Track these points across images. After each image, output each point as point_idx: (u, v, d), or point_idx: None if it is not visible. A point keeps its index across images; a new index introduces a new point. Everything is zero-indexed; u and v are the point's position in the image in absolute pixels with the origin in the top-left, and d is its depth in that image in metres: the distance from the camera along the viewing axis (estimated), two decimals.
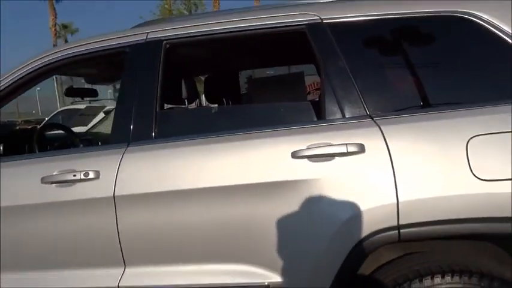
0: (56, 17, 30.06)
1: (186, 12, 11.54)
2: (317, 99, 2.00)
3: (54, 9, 29.80)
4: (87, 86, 3.33)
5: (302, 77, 2.73)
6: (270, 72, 3.39)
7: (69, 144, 2.53)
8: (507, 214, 1.29)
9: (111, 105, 3.01)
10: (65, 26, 37.39)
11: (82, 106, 8.10)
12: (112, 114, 3.26)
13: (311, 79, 3.08)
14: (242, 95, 2.58)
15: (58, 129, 2.62)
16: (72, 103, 8.78)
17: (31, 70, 1.79)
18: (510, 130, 1.32)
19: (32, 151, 2.24)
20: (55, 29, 30.51)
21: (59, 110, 8.99)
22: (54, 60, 1.79)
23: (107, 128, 3.06)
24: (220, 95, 2.49)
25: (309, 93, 2.78)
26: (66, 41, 40.39)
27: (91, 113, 3.11)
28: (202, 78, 2.68)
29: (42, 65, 1.78)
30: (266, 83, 2.49)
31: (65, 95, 2.42)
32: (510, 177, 1.29)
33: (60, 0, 30.70)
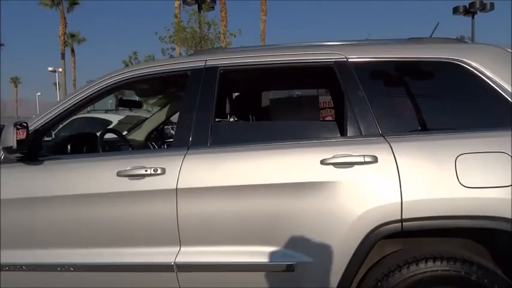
0: (65, 26, 30.74)
1: (197, 30, 12.18)
2: (335, 119, 2.42)
3: (65, 18, 30.52)
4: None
5: (317, 98, 3.19)
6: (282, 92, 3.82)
7: (118, 147, 2.95)
8: (486, 213, 1.71)
9: (146, 115, 3.39)
10: (72, 35, 38.11)
11: (97, 115, 8.54)
12: (143, 123, 3.67)
13: (322, 98, 3.52)
14: (267, 110, 3.02)
15: (114, 134, 3.04)
16: (88, 111, 9.21)
17: (108, 84, 2.22)
18: (489, 151, 1.74)
19: (91, 151, 2.66)
20: (64, 38, 31.13)
21: (76, 117, 9.40)
22: (128, 77, 2.22)
23: (138, 135, 3.48)
24: (249, 111, 2.93)
25: (324, 108, 3.24)
26: (72, 50, 41.19)
27: (128, 121, 3.51)
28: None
29: (118, 80, 2.21)
30: (288, 102, 2.94)
31: (118, 106, 2.83)
32: (487, 186, 1.71)
33: (70, 10, 31.44)
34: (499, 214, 1.70)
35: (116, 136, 3.01)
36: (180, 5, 20.79)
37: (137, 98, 3.41)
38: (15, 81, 78.00)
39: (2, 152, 2.21)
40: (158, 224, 1.99)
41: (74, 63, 41.93)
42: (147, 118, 3.75)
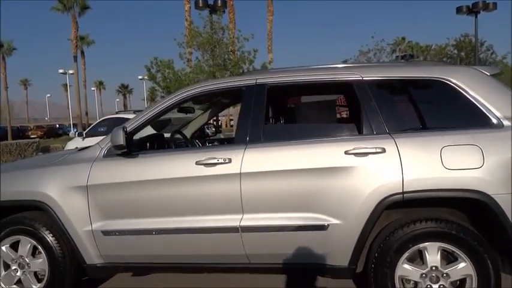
0: (77, 30, 31.68)
1: (215, 36, 13.00)
2: (353, 120, 3.16)
3: (77, 22, 31.46)
4: None
5: (335, 101, 3.96)
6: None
7: (180, 144, 3.75)
8: (461, 187, 2.45)
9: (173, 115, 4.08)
10: (82, 38, 39.08)
11: (126, 115, 9.37)
12: (190, 123, 4.44)
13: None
14: (302, 113, 3.76)
15: (180, 135, 3.85)
16: (117, 112, 10.03)
17: (184, 97, 3.00)
18: (464, 143, 2.49)
19: (161, 148, 3.46)
20: (76, 41, 32.05)
21: (104, 117, 10.26)
22: (199, 91, 3.00)
23: (186, 133, 4.25)
24: (290, 115, 3.72)
25: (339, 105, 4.03)
26: (82, 52, 42.21)
27: (176, 122, 4.15)
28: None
29: (191, 94, 3.00)
30: (312, 105, 3.70)
31: (178, 111, 3.59)
32: (463, 168, 2.45)
33: (82, 15, 32.35)
34: (471, 187, 2.44)
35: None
36: (190, 8, 21.61)
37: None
38: (25, 83, 79.41)
39: (104, 149, 3.00)
40: (227, 198, 2.74)
41: (84, 65, 42.95)
42: (179, 118, 4.52)
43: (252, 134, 2.81)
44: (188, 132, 4.34)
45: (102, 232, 2.92)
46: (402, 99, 2.82)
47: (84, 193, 2.92)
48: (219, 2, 14.21)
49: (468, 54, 26.08)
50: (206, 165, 2.76)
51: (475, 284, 2.49)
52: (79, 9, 31.89)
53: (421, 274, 2.54)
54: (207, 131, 5.63)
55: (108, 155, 2.97)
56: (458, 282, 2.55)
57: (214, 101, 4.12)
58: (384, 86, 2.77)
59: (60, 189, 2.95)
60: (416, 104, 2.73)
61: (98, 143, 3.09)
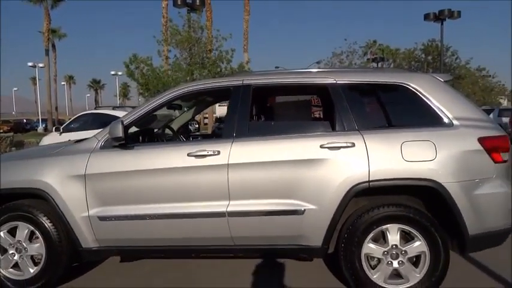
0: (49, 23, 30.95)
1: (193, 35, 13.24)
2: (327, 119, 3.54)
3: (49, 15, 30.74)
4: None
5: (309, 101, 4.35)
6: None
7: (168, 138, 4.04)
8: (418, 176, 2.87)
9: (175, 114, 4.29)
10: (53, 31, 38.16)
11: (106, 111, 9.49)
12: (175, 120, 4.72)
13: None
14: (282, 111, 4.12)
15: (168, 129, 4.15)
16: (95, 108, 10.12)
17: (176, 94, 3.30)
18: (420, 140, 2.91)
19: (151, 141, 3.74)
20: (48, 34, 31.30)
21: (83, 113, 10.32)
22: (191, 90, 3.31)
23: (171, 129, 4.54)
24: (271, 113, 4.07)
25: (314, 105, 4.45)
26: (53, 46, 41.19)
27: (162, 119, 4.36)
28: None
29: (184, 92, 3.30)
30: (291, 104, 4.07)
31: (167, 108, 3.86)
32: (419, 160, 2.87)
33: (54, 7, 31.62)
34: (425, 176, 2.87)
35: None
36: (167, 5, 21.65)
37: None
38: None
39: (101, 141, 3.25)
40: (215, 186, 3.06)
41: (55, 59, 41.88)
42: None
43: (238, 129, 3.14)
44: (174, 127, 4.63)
45: (99, 218, 3.17)
46: (370, 101, 3.23)
47: (82, 181, 3.16)
48: (197, 0, 14.41)
49: (435, 58, 27.35)
50: (197, 156, 3.07)
51: (428, 260, 2.93)
52: (52, 1, 31.17)
53: (384, 252, 2.96)
54: (190, 127, 5.94)
55: (105, 146, 3.23)
56: (414, 258, 2.98)
57: (201, 99, 4.43)
58: (355, 88, 3.17)
59: (59, 178, 3.19)
60: (382, 105, 3.15)
61: (94, 136, 3.34)
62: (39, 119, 45.34)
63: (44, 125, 42.13)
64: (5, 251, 3.35)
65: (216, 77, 13.97)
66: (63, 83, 69.98)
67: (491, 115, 19.52)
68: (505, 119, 17.78)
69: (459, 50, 26.94)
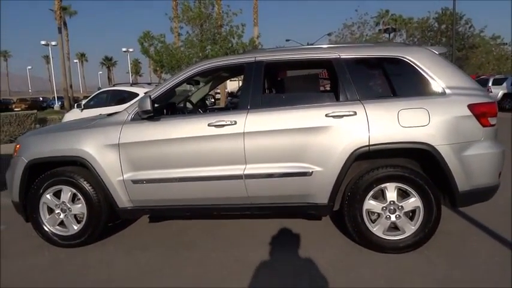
0: (61, 0, 31.15)
1: (204, 11, 13.43)
2: (332, 90, 3.88)
3: None
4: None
5: (317, 75, 4.69)
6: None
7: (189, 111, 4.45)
8: (413, 140, 3.22)
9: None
10: (64, 8, 38.34)
11: (124, 88, 9.93)
12: (195, 94, 5.11)
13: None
14: (292, 85, 4.47)
15: (188, 102, 4.55)
16: (114, 85, 10.56)
17: (197, 70, 3.68)
18: (415, 107, 3.25)
19: (174, 113, 4.15)
20: (60, 12, 31.54)
21: (102, 90, 10.79)
22: (210, 66, 3.68)
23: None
24: (282, 86, 4.42)
25: (322, 78, 4.78)
26: (65, 23, 41.46)
27: (180, 94, 4.73)
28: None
29: (204, 68, 3.68)
30: (300, 78, 4.42)
31: (188, 84, 4.24)
32: (414, 126, 3.22)
33: None
34: (420, 140, 3.22)
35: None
36: None
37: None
38: (4, 55, 77.26)
39: (131, 114, 3.67)
40: (233, 152, 3.47)
41: (67, 37, 42.19)
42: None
43: (252, 101, 3.52)
44: (193, 101, 5.03)
45: (132, 181, 3.63)
46: (370, 73, 3.56)
47: (116, 150, 3.61)
48: None
49: (448, 27, 26.87)
50: (216, 126, 3.47)
51: (422, 214, 3.33)
52: None
53: (382, 207, 3.36)
54: (206, 101, 6.39)
55: (135, 119, 3.65)
56: (410, 213, 3.38)
57: (216, 75, 4.80)
58: (357, 62, 3.50)
59: (96, 147, 3.63)
60: (381, 76, 3.48)
61: (125, 109, 3.76)
62: (54, 97, 46.20)
63: (59, 103, 42.95)
64: (51, 211, 3.85)
65: (228, 52, 14.24)
66: (75, 60, 70.61)
67: (504, 84, 19.43)
68: None
69: (473, 18, 26.45)
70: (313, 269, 3.17)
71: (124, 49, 46.33)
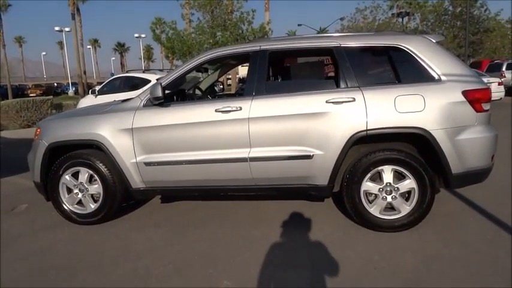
0: None
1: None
2: (334, 76, 4.05)
3: None
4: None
5: (323, 62, 4.86)
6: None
7: (198, 97, 4.68)
8: (409, 125, 3.39)
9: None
10: None
11: (136, 74, 10.19)
12: (203, 81, 5.32)
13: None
14: (296, 72, 4.65)
15: (197, 89, 4.78)
16: (127, 71, 10.84)
17: (206, 59, 3.88)
18: (411, 94, 3.41)
19: (184, 100, 4.37)
20: None
21: (115, 76, 11.08)
22: (214, 56, 3.88)
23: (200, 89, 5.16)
24: (286, 73, 4.61)
25: (327, 64, 4.95)
26: (78, 9, 41.77)
27: (190, 81, 4.94)
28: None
29: (213, 56, 3.89)
30: (306, 65, 4.59)
31: (197, 71, 4.45)
32: (410, 111, 3.39)
33: None
34: (415, 125, 3.39)
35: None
36: None
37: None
38: (19, 40, 78.20)
39: (143, 100, 3.90)
40: (238, 137, 3.68)
41: (80, 23, 42.53)
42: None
43: (257, 88, 3.71)
44: (202, 88, 5.25)
45: (145, 163, 3.88)
46: (369, 61, 3.72)
47: (130, 134, 3.86)
48: None
49: (463, 10, 26.35)
50: (223, 112, 3.69)
51: (417, 195, 3.52)
52: None
53: (379, 188, 3.56)
54: (215, 88, 6.62)
55: (147, 105, 3.89)
56: (406, 194, 3.57)
57: (225, 63, 5.00)
58: (356, 51, 3.65)
59: (111, 131, 3.89)
60: (379, 64, 3.64)
61: (138, 96, 4.00)
62: (69, 83, 46.90)
63: (74, 89, 43.63)
64: (70, 190, 4.15)
65: (238, 38, 14.35)
66: (88, 46, 71.24)
67: None
68: None
69: (489, 1, 25.88)
70: (313, 245, 3.40)
71: (136, 35, 46.59)
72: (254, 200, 4.58)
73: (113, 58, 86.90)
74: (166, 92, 3.99)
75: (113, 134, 3.88)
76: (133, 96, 4.11)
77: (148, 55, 65.14)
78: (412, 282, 2.74)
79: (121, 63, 76.73)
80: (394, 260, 3.07)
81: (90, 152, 4.06)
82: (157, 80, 4.30)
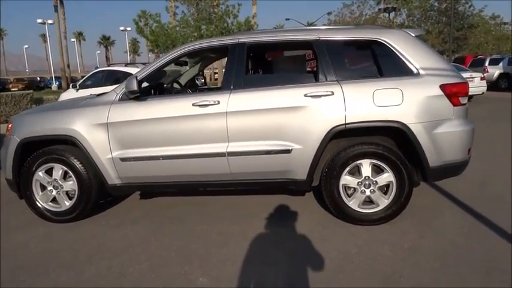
0: None
1: None
2: (314, 70, 4.01)
3: None
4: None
5: (304, 56, 4.81)
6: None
7: (176, 91, 4.59)
8: (386, 118, 3.38)
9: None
10: None
11: (119, 68, 10.02)
12: (183, 75, 5.23)
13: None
14: (275, 66, 4.60)
15: (176, 83, 4.68)
16: (109, 65, 10.66)
17: (184, 51, 3.80)
18: (390, 87, 3.39)
19: (162, 94, 4.28)
20: None
21: (99, 69, 10.89)
22: (191, 49, 3.79)
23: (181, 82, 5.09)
24: (264, 67, 4.56)
25: (310, 59, 4.90)
26: (61, 1, 40.92)
27: (172, 74, 4.87)
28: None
29: (190, 49, 3.81)
30: (286, 58, 4.54)
31: (175, 64, 4.36)
32: (388, 105, 3.37)
33: None
34: (393, 119, 3.37)
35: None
36: None
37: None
38: (0, 33, 76.45)
39: (119, 94, 3.80)
40: (216, 131, 3.62)
41: (64, 15, 41.67)
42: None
43: (235, 82, 3.65)
44: (182, 82, 5.16)
45: (120, 159, 3.79)
46: (348, 55, 3.69)
47: (105, 129, 3.76)
48: None
49: (448, 7, 26.61)
50: (200, 106, 3.62)
51: (395, 188, 3.51)
52: None
53: (358, 182, 3.54)
54: (197, 81, 6.51)
55: (123, 99, 3.79)
56: (384, 187, 3.56)
57: (205, 56, 4.91)
58: (335, 44, 3.62)
59: (86, 126, 3.78)
60: (359, 58, 3.61)
61: (113, 90, 3.90)
62: (52, 77, 46.03)
63: (57, 83, 42.87)
64: (44, 188, 4.03)
65: (223, 32, 14.22)
66: (72, 39, 69.98)
67: (500, 64, 19.44)
68: None
69: (489, 1, 26.18)
70: (291, 240, 3.37)
71: (122, 28, 45.97)
72: (234, 195, 4.54)
73: (98, 51, 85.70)
74: (144, 85, 3.90)
75: (87, 129, 3.78)
76: (108, 91, 4.01)
77: (134, 48, 64.34)
78: (388, 275, 2.73)
79: (106, 57, 75.64)
80: (372, 253, 3.06)
81: (65, 148, 3.95)
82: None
